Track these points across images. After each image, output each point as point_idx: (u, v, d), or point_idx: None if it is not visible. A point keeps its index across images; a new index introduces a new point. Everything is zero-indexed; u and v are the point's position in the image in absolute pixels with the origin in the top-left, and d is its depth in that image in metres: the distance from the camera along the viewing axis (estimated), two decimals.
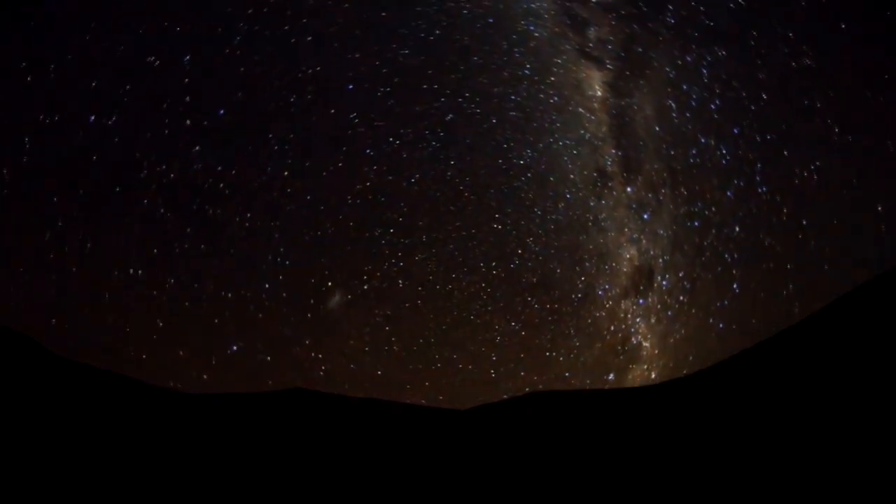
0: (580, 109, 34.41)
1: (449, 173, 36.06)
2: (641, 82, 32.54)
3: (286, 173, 33.53)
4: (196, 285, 33.18)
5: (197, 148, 31.63)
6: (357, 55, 32.69)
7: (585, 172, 35.95)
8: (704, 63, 30.62)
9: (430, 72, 33.97)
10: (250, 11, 30.81)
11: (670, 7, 30.50)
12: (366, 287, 35.87)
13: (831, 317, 19.57)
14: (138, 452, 13.44)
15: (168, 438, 14.86)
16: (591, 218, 35.82)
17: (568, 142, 35.27)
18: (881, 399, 11.78)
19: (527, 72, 33.85)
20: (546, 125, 35.27)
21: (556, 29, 32.98)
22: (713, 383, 19.02)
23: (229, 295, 33.87)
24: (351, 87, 33.96)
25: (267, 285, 34.60)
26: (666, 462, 12.98)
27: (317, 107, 33.77)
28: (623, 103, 33.38)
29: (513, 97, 34.61)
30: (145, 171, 30.65)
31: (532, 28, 32.92)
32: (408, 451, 16.11)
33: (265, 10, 30.98)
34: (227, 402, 20.09)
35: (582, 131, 35.01)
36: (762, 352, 20.14)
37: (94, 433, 14.01)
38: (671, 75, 31.32)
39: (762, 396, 15.46)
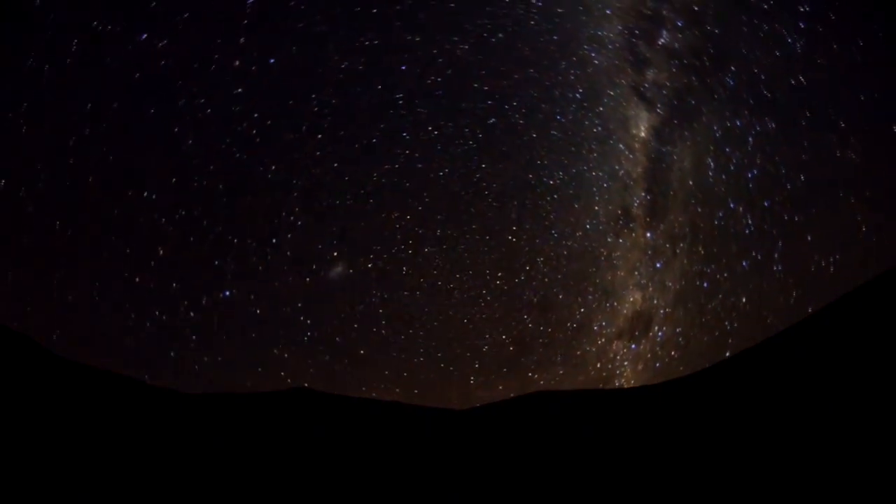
0: (620, 145, 34.38)
1: (477, 175, 35.72)
2: (686, 133, 32.49)
3: (319, 136, 33.16)
4: (205, 223, 32.64)
5: (239, 90, 31.30)
6: (417, 38, 32.24)
7: (610, 207, 35.69)
8: (752, 131, 30.47)
9: (483, 72, 33.66)
10: None
11: (733, 68, 30.39)
12: (369, 265, 35.77)
13: (832, 316, 19.58)
14: (138, 453, 13.43)
15: (168, 438, 14.85)
16: (605, 253, 35.59)
17: (601, 174, 35.15)
18: (881, 399, 11.78)
19: (577, 96, 33.62)
20: (584, 152, 35.14)
21: (616, 62, 32.79)
22: (713, 383, 19.02)
23: (235, 240, 33.40)
24: (404, 67, 33.46)
25: (274, 240, 33.91)
26: (665, 462, 12.98)
27: (365, 79, 33.20)
28: (663, 149, 33.39)
29: (558, 117, 34.37)
30: (183, 100, 30.38)
31: (593, 55, 32.73)
32: (407, 451, 16.11)
33: None
34: (227, 403, 20.07)
35: (617, 167, 34.89)
36: (762, 352, 20.15)
37: (95, 433, 14.01)
38: (717, 134, 31.34)
39: (761, 397, 15.46)
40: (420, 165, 35.59)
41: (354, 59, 32.27)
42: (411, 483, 13.63)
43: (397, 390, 34.92)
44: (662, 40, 30.99)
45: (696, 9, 29.66)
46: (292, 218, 33.56)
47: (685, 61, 30.95)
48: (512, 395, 23.26)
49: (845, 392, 13.36)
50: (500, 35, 32.45)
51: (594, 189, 35.07)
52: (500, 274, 36.71)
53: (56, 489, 10.71)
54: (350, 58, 32.17)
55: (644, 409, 18.07)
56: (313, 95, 32.54)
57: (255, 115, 31.53)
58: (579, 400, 21.11)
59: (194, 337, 32.43)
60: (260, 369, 33.66)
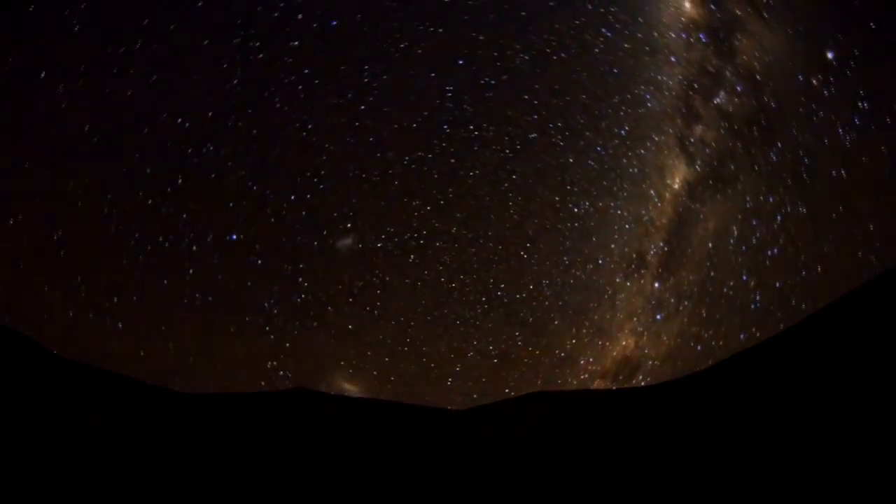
0: (652, 191, 34.36)
1: (506, 184, 35.68)
2: (718, 196, 32.49)
3: (362, 107, 33.17)
4: (230, 163, 32.68)
5: (295, 43, 31.29)
6: (481, 37, 32.27)
7: (626, 249, 35.62)
8: (783, 210, 30.38)
9: (536, 86, 33.52)
10: None
11: (779, 145, 30.28)
12: (378, 245, 35.74)
13: (832, 316, 19.56)
14: (139, 453, 13.43)
15: (167, 438, 14.85)
16: (610, 292, 35.53)
17: (626, 214, 35.11)
18: (881, 399, 11.77)
19: (622, 132, 33.62)
20: (615, 189, 35.07)
21: (668, 109, 32.90)
22: (712, 383, 19.00)
23: (255, 187, 33.63)
24: (461, 62, 33.26)
25: (292, 196, 33.95)
26: (663, 463, 12.97)
27: (420, 64, 32.99)
28: (693, 206, 33.40)
29: (598, 148, 34.46)
30: (238, 40, 30.53)
31: (648, 97, 32.75)
32: (407, 451, 16.10)
33: None
34: (228, 403, 20.07)
35: (643, 211, 34.83)
36: (762, 352, 20.14)
37: (95, 433, 14.01)
38: (748, 205, 31.27)
39: (761, 397, 15.45)
40: (452, 161, 35.46)
41: (416, 40, 32.04)
42: (411, 483, 13.63)
43: (374, 373, 34.95)
44: (718, 100, 31.04)
45: (758, 78, 29.79)
46: (316, 180, 33.45)
47: (735, 126, 30.89)
48: (482, 404, 23.29)
49: (845, 392, 13.34)
50: (563, 54, 32.40)
51: (615, 227, 35.05)
52: (502, 286, 36.67)
53: (56, 489, 10.71)
54: (411, 38, 31.96)
55: (644, 410, 18.05)
56: (366, 66, 32.41)
57: (306, 70, 31.31)
58: (579, 400, 21.09)
59: (191, 271, 32.49)
60: (247, 318, 33.75)
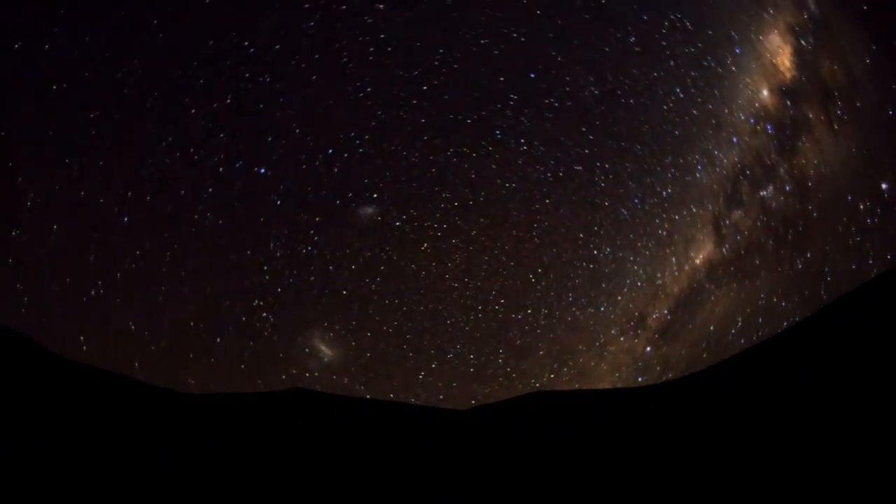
0: (673, 259, 35.09)
1: (537, 206, 36.67)
2: (734, 285, 33.03)
3: (424, 87, 34.04)
4: (281, 99, 33.12)
5: (381, 6, 31.79)
6: (559, 58, 32.61)
7: (631, 306, 36.47)
8: (791, 319, 30.67)
9: (597, 122, 34.09)
10: None
11: (808, 255, 30.38)
12: (397, 224, 35.75)
13: (832, 316, 19.55)
14: (139, 453, 13.44)
15: (169, 438, 14.85)
16: (601, 341, 36.31)
17: (641, 272, 35.76)
18: (881, 399, 11.76)
19: (664, 193, 34.47)
20: (638, 245, 35.81)
21: (715, 186, 33.57)
22: (713, 383, 19.00)
23: (297, 131, 34.14)
24: (532, 75, 33.20)
25: (330, 150, 34.72)
26: (664, 462, 12.97)
27: (494, 64, 33.11)
28: (707, 286, 34.00)
29: (635, 200, 35.16)
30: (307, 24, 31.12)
31: (700, 168, 33.42)
32: (407, 451, 16.08)
33: None
34: (228, 402, 20.05)
35: (659, 275, 35.49)
36: (762, 352, 20.12)
37: (95, 433, 14.01)
38: (760, 303, 31.61)
39: (761, 397, 15.43)
40: (494, 167, 35.58)
41: (497, 40, 31.79)
42: (411, 483, 13.62)
43: (352, 343, 35.04)
44: (765, 192, 31.36)
45: (809, 184, 29.88)
46: (358, 142, 34.23)
47: (772, 223, 31.11)
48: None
49: (845, 392, 13.33)
50: (632, 100, 32.92)
51: (628, 281, 35.66)
52: (502, 300, 36.67)
53: (56, 488, 10.71)
54: (494, 36, 32.17)
55: (644, 410, 18.03)
56: (441, 49, 32.48)
57: (382, 35, 31.47)
58: (579, 400, 21.07)
59: (210, 189, 33.30)
60: (248, 252, 33.93)
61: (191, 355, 32.84)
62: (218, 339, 33.49)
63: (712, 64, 30.90)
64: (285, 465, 14.65)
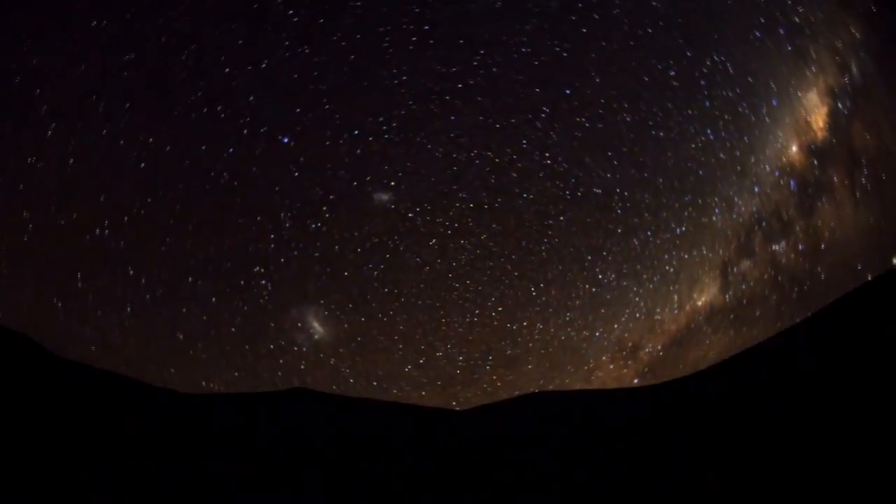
0: (675, 297, 34.16)
1: (550, 221, 35.70)
2: (731, 333, 32.04)
3: (459, 85, 33.12)
4: (315, 73, 32.01)
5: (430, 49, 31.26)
6: (597, 79, 31.67)
7: (626, 336, 35.42)
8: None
9: (623, 149, 33.22)
10: None
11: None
12: (409, 216, 35.54)
13: (831, 317, 19.52)
14: (139, 452, 13.44)
15: (169, 438, 14.85)
16: (590, 366, 35.58)
17: (642, 304, 34.89)
18: (881, 399, 11.76)
19: (678, 231, 33.48)
20: (643, 277, 34.92)
21: (730, 232, 32.63)
22: (713, 383, 18.98)
23: (328, 106, 32.95)
24: (567, 91, 32.20)
25: (356, 131, 33.63)
26: (664, 462, 12.96)
27: (532, 73, 31.98)
28: (704, 329, 33.13)
29: (649, 232, 34.31)
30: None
31: (717, 211, 32.48)
32: (407, 451, 16.08)
33: None
34: (228, 402, 20.05)
35: (658, 309, 34.58)
36: (762, 352, 20.10)
37: (95, 433, 14.01)
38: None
39: (761, 397, 15.42)
40: (514, 175, 34.89)
41: (540, 50, 30.93)
42: (411, 482, 13.62)
43: (345, 325, 34.94)
44: (777, 247, 30.52)
45: (822, 246, 29.06)
46: (385, 127, 33.51)
47: (779, 278, 30.30)
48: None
49: (845, 392, 13.31)
50: (661, 133, 32.12)
51: (627, 311, 34.86)
52: (500, 309, 36.50)
53: (56, 488, 10.71)
54: (537, 45, 31.13)
55: (643, 410, 18.02)
56: (482, 51, 31.42)
57: (426, 27, 30.80)
58: (579, 400, 21.06)
59: (231, 150, 32.51)
60: (258, 218, 33.89)
61: (183, 309, 32.76)
62: (213, 299, 33.33)
63: (747, 111, 30.29)
64: (285, 465, 14.65)
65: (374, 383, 35.20)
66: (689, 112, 31.35)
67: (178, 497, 11.73)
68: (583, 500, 11.93)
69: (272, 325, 34.23)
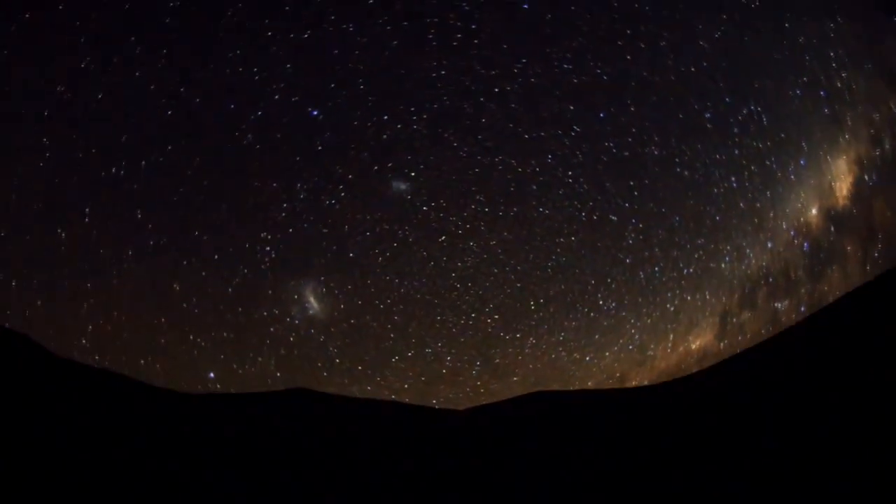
0: (671, 335, 35.09)
1: (561, 239, 36.53)
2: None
3: (496, 89, 33.74)
4: (350, 65, 32.75)
5: (466, 7, 31.39)
6: (641, 110, 31.79)
7: (615, 365, 36.70)
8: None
9: (646, 181, 33.40)
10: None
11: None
12: (423, 209, 35.71)
13: (831, 317, 19.49)
14: (139, 452, 13.45)
15: (168, 437, 14.85)
16: (575, 387, 35.66)
17: (637, 337, 35.64)
18: (881, 399, 11.75)
19: (685, 272, 34.22)
20: (643, 311, 35.83)
21: (735, 281, 33.36)
22: (713, 383, 18.97)
23: (363, 87, 33.75)
24: (601, 115, 32.69)
25: (385, 116, 34.47)
26: (664, 462, 12.96)
27: (570, 92, 32.78)
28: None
29: (657, 269, 34.93)
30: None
31: (726, 258, 32.98)
32: (407, 450, 16.08)
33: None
34: (228, 402, 20.05)
35: (652, 346, 35.42)
36: (763, 351, 20.09)
37: (95, 433, 14.03)
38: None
39: (762, 396, 15.42)
40: (534, 188, 35.37)
41: (584, 70, 31.48)
42: (411, 482, 13.62)
43: (341, 306, 35.02)
44: (779, 305, 30.95)
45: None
46: (415, 118, 33.90)
47: (783, 319, 30.63)
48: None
49: (845, 391, 13.30)
50: (686, 172, 32.55)
51: (621, 341, 35.76)
52: (496, 316, 36.63)
53: (56, 488, 10.72)
54: (582, 67, 31.40)
55: (644, 410, 18.02)
56: (523, 59, 32.04)
57: (473, 26, 31.07)
58: (579, 400, 21.06)
59: (260, 112, 33.25)
60: (274, 184, 34.48)
61: (184, 262, 32.86)
62: (215, 256, 33.51)
63: (774, 166, 30.64)
64: (286, 464, 14.65)
65: (359, 367, 35.31)
66: (717, 156, 31.70)
67: (178, 497, 11.73)
68: (583, 499, 11.93)
69: (270, 292, 34.27)
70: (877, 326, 15.43)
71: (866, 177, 28.43)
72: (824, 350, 15.92)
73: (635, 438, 15.25)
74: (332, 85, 32.48)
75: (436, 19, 30.77)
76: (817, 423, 12.24)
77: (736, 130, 30.96)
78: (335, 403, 21.94)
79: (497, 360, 35.73)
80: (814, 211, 29.49)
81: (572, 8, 29.55)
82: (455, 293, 36.30)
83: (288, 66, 31.56)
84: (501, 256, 36.12)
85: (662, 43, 30.08)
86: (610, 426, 16.90)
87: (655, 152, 32.22)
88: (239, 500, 12.11)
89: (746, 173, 31.35)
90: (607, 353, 34.78)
